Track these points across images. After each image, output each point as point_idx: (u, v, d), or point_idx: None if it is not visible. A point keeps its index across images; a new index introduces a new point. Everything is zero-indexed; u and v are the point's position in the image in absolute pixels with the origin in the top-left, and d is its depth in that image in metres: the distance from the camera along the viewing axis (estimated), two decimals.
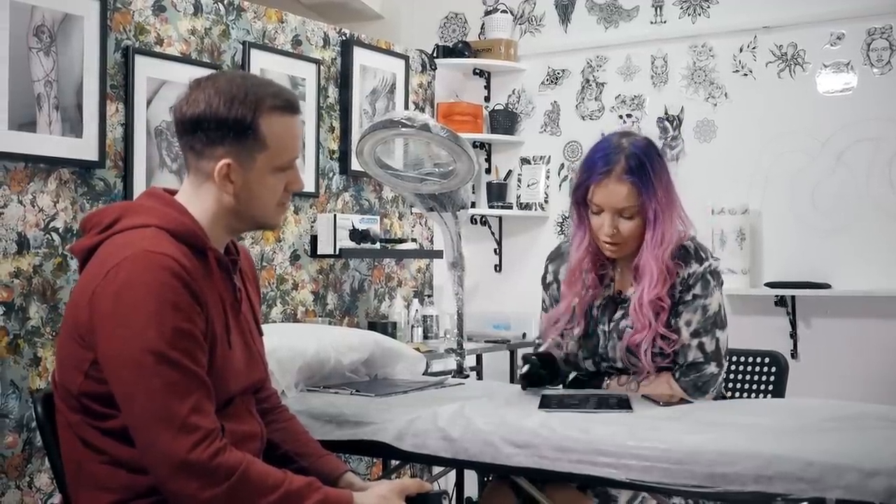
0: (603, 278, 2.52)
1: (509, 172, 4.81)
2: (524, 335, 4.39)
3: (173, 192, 1.86)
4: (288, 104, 1.82)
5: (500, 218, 4.84)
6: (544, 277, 2.66)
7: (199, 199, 1.82)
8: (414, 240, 4.43)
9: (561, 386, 2.64)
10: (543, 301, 2.66)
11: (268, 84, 1.83)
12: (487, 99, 4.88)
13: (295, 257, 3.88)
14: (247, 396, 1.91)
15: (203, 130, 1.77)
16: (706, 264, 2.43)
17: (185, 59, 3.43)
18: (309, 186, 3.92)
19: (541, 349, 2.60)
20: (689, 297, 2.41)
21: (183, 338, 1.66)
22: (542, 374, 2.47)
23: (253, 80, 1.83)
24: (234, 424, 1.79)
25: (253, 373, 1.92)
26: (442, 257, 4.06)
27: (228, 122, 1.76)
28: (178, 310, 1.66)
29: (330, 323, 3.92)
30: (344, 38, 4.14)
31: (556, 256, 2.65)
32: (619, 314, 2.48)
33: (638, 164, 2.36)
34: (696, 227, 2.51)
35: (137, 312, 1.64)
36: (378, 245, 4.06)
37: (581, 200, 2.46)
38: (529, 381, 2.47)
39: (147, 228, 1.74)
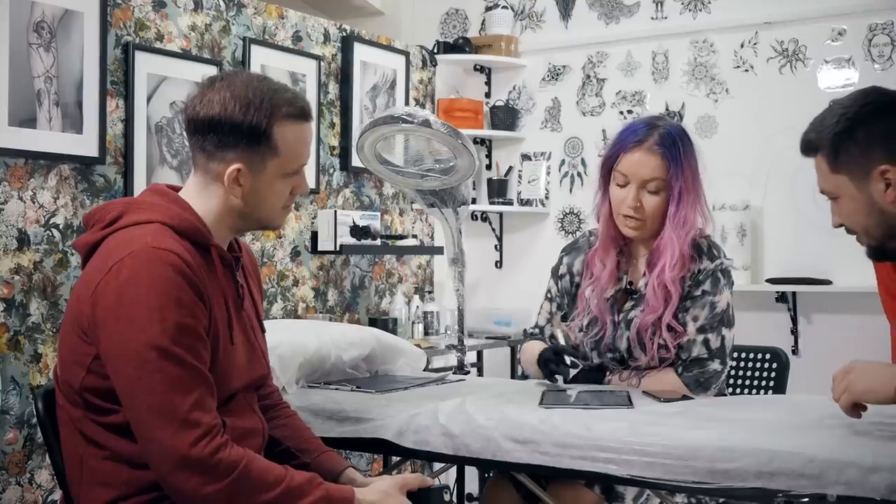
0: (618, 267, 2.52)
1: (510, 169, 4.80)
2: (525, 331, 4.39)
3: (177, 189, 1.87)
4: (302, 112, 1.83)
5: (501, 214, 4.84)
6: (557, 268, 2.65)
7: (204, 198, 1.82)
8: (415, 236, 4.43)
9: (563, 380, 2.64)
10: (549, 291, 2.66)
11: (283, 90, 1.83)
12: (488, 95, 4.88)
13: (295, 254, 3.88)
14: (249, 393, 1.92)
15: (216, 133, 1.77)
16: (717, 262, 2.44)
17: (185, 55, 3.42)
18: (310, 183, 3.91)
19: (536, 338, 2.62)
20: (697, 293, 2.42)
21: (185, 333, 1.67)
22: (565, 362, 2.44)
23: (268, 85, 1.82)
24: (236, 420, 1.79)
25: (255, 369, 1.92)
26: (443, 253, 4.06)
27: (243, 127, 1.76)
28: (180, 305, 1.67)
29: (331, 319, 3.92)
30: (344, 34, 4.14)
31: (572, 249, 2.65)
32: (629, 305, 2.49)
33: (671, 141, 2.40)
34: (713, 224, 2.52)
35: (140, 308, 1.65)
36: (379, 241, 4.05)
37: (608, 173, 2.47)
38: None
39: (150, 224, 1.75)
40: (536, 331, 2.65)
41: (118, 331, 1.65)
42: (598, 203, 2.54)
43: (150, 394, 1.63)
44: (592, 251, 2.55)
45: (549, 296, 2.67)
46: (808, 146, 1.97)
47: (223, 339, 1.78)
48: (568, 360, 2.41)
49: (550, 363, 2.43)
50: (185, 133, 1.86)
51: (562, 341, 2.50)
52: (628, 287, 2.52)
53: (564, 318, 2.61)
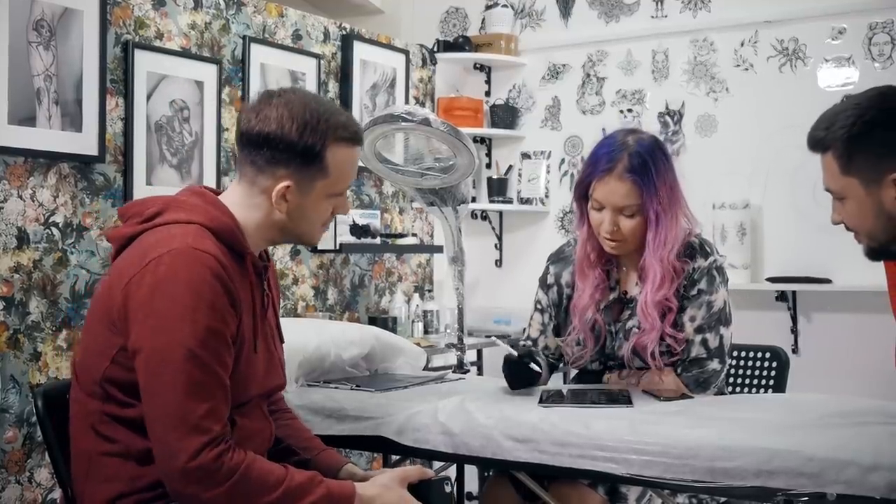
0: (608, 277, 2.51)
1: (510, 167, 4.80)
2: (525, 330, 4.39)
3: (216, 192, 1.89)
4: (355, 136, 1.87)
5: (501, 213, 4.84)
6: (545, 278, 2.63)
7: (247, 208, 1.85)
8: (414, 235, 4.43)
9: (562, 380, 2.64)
10: (539, 302, 2.63)
11: (338, 112, 1.86)
12: (488, 93, 4.87)
13: (295, 252, 3.87)
14: (262, 399, 1.94)
15: (270, 149, 1.80)
16: (711, 259, 2.43)
17: (185, 53, 3.42)
18: None
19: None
20: (693, 293, 2.41)
21: (214, 338, 1.69)
22: (531, 369, 2.41)
23: (325, 107, 1.85)
24: (245, 420, 1.82)
25: (272, 379, 1.94)
26: (442, 252, 4.05)
27: (297, 147, 1.79)
28: (213, 310, 1.69)
29: (330, 318, 3.92)
30: (344, 32, 4.14)
31: (558, 259, 2.63)
32: (625, 314, 2.48)
33: (641, 163, 2.35)
34: (701, 225, 2.51)
35: (174, 306, 1.67)
36: (378, 240, 4.05)
37: (583, 196, 2.45)
38: (519, 372, 2.41)
39: (191, 225, 1.77)
40: (529, 343, 2.64)
41: (149, 325, 1.67)
42: (576, 224, 2.52)
43: (168, 393, 1.65)
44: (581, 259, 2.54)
45: (539, 307, 2.63)
46: (817, 143, 1.90)
47: (247, 347, 1.80)
48: (533, 366, 2.38)
49: (512, 369, 2.39)
50: (236, 143, 1.88)
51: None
52: (622, 296, 2.51)
53: (557, 331, 2.60)
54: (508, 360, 2.41)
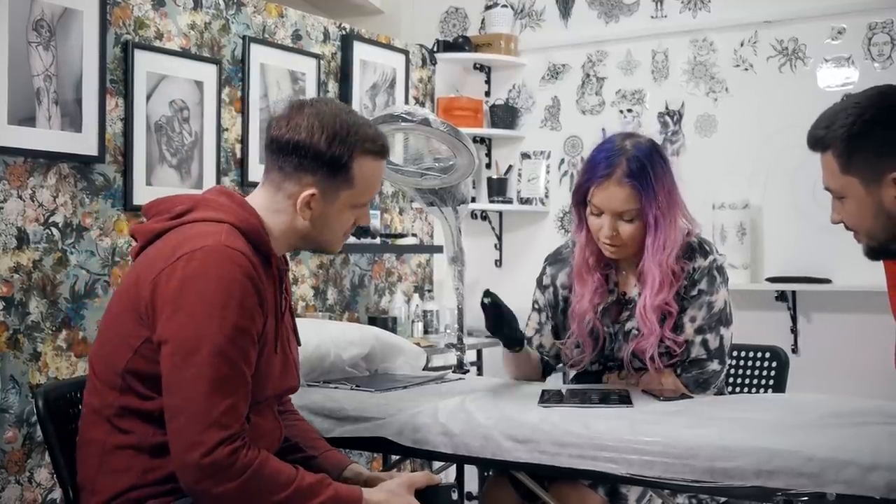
0: (607, 280, 2.51)
1: (510, 167, 4.80)
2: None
3: (241, 194, 1.92)
4: (382, 149, 1.91)
5: (501, 213, 4.83)
6: (541, 279, 2.63)
7: (272, 212, 1.88)
8: (414, 235, 4.43)
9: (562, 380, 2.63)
10: (536, 302, 2.63)
11: (366, 125, 1.90)
12: (488, 94, 4.87)
13: (295, 252, 3.87)
14: (275, 399, 1.96)
15: (298, 156, 1.83)
16: (710, 258, 2.43)
17: (184, 53, 3.42)
18: None
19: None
20: (694, 293, 2.41)
21: (241, 336, 1.71)
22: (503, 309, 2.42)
23: (354, 119, 1.89)
24: (259, 419, 1.84)
25: (287, 380, 1.96)
26: (442, 252, 4.06)
27: (325, 157, 1.83)
28: (242, 308, 1.71)
29: (330, 318, 3.92)
30: (344, 32, 4.14)
31: (556, 260, 2.62)
32: (624, 316, 2.48)
33: (639, 168, 2.34)
34: (700, 226, 2.50)
35: (204, 302, 1.69)
36: (378, 240, 4.05)
37: (581, 201, 2.45)
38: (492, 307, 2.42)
39: (222, 224, 1.79)
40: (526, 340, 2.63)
41: (177, 319, 1.69)
42: (574, 230, 2.52)
43: (192, 387, 1.66)
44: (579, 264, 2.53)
45: (536, 306, 2.63)
46: (817, 142, 1.90)
47: (269, 347, 1.83)
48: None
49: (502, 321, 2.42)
50: (265, 148, 1.91)
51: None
52: (621, 298, 2.51)
53: (555, 332, 2.59)
54: (483, 305, 2.42)
